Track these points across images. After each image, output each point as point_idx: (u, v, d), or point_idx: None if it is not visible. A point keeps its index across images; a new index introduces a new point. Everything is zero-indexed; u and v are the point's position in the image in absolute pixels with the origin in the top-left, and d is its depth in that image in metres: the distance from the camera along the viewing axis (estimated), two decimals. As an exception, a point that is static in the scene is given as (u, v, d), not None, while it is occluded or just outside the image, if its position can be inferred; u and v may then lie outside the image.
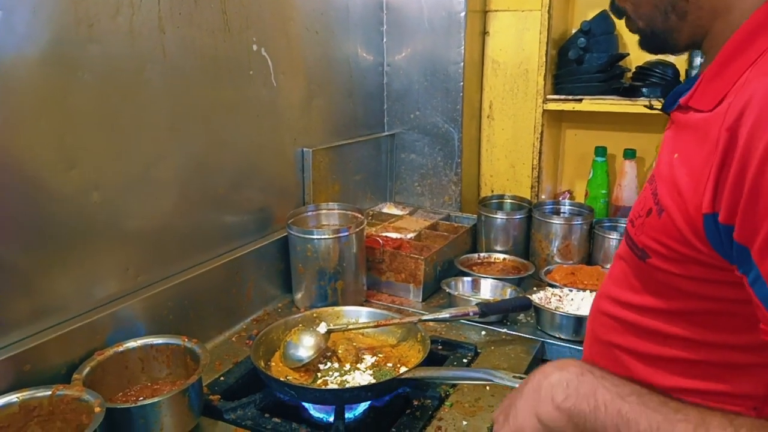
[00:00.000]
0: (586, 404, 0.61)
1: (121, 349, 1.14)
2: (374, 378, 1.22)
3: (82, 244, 1.13)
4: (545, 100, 1.86)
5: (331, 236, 1.54)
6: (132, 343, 1.16)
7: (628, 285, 0.75)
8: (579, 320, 1.41)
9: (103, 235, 1.17)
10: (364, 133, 2.00)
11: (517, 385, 0.92)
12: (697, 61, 1.73)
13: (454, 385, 1.25)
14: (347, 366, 1.27)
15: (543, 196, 2.01)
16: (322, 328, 1.28)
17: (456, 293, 1.59)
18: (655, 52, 0.79)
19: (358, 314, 1.41)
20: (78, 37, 1.07)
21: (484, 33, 2.08)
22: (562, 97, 1.85)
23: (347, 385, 1.19)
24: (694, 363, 0.69)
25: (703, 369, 0.68)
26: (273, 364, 1.24)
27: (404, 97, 2.08)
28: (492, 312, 1.39)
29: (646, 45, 0.77)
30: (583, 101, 1.82)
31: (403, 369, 1.25)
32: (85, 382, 1.04)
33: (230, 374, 1.27)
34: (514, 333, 1.49)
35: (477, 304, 1.38)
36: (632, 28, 0.77)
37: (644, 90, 1.78)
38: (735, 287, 0.59)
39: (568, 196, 2.08)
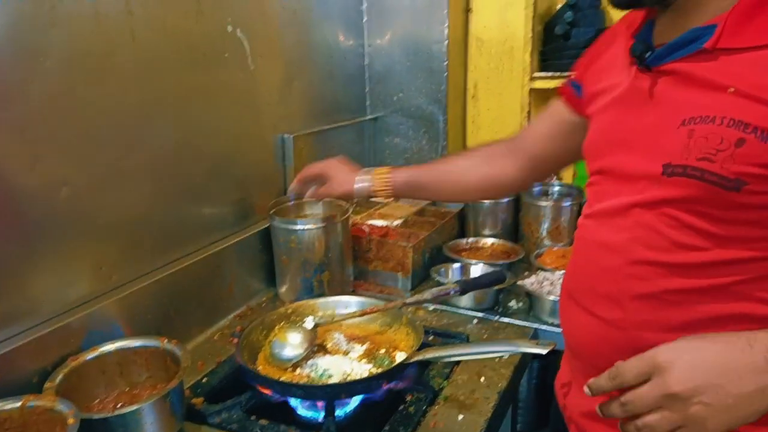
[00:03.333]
0: None
1: (96, 353, 1.08)
2: (374, 366, 1.18)
3: (51, 243, 1.06)
4: (532, 78, 1.80)
5: (315, 226, 1.48)
6: (108, 347, 1.10)
7: (688, 227, 0.76)
8: (573, 305, 1.38)
9: (74, 233, 1.11)
10: (346, 118, 1.94)
11: (544, 352, 0.96)
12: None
13: (448, 377, 1.21)
14: (338, 358, 1.22)
15: (531, 178, 1.97)
16: (309, 323, 1.23)
17: (446, 281, 1.55)
18: (629, 7, 0.83)
19: (337, 305, 1.36)
20: (39, 22, 0.99)
21: (468, 10, 2.02)
22: (550, 74, 1.81)
23: (349, 378, 1.14)
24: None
25: None
26: (260, 367, 1.18)
27: (386, 79, 2.01)
28: (470, 288, 1.35)
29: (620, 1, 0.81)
30: (571, 79, 1.77)
31: (398, 354, 1.21)
32: (58, 390, 0.98)
33: (214, 375, 1.22)
34: (506, 320, 1.45)
35: (456, 282, 1.34)
36: None
37: (633, 66, 1.74)
38: None
39: (555, 177, 2.04)
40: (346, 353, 1.23)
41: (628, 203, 0.82)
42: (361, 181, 1.26)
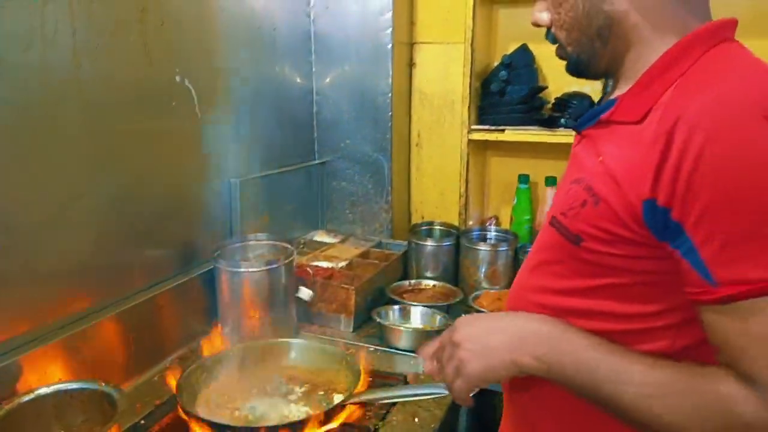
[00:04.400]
0: (567, 359, 0.77)
1: (32, 396, 1.08)
2: (311, 408, 1.21)
3: (-10, 285, 1.08)
4: (470, 131, 1.91)
5: (258, 269, 1.52)
6: (44, 390, 1.10)
7: (552, 273, 0.86)
8: (504, 346, 1.45)
9: (12, 278, 1.11)
10: (294, 161, 2.00)
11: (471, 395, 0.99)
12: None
13: (383, 418, 1.26)
14: (277, 400, 1.25)
15: (471, 222, 2.06)
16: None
17: (386, 323, 1.60)
18: (578, 76, 0.90)
19: (280, 347, 1.39)
20: (-16, 74, 1.03)
21: (411, 64, 2.13)
22: (486, 127, 1.92)
23: (286, 420, 1.17)
24: (614, 333, 0.79)
25: (619, 337, 0.78)
26: (199, 409, 1.20)
27: (334, 127, 2.09)
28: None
29: (572, 69, 0.89)
30: (506, 131, 1.89)
31: (336, 396, 1.24)
32: (-9, 435, 0.98)
33: (151, 417, 1.23)
34: (442, 361, 1.50)
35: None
36: (562, 54, 0.88)
37: (562, 120, 1.86)
38: (655, 261, 0.73)
39: (494, 222, 2.14)
40: (285, 395, 1.27)
41: (533, 248, 0.94)
42: None
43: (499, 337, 0.82)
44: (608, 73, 0.87)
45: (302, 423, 1.14)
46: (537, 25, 0.89)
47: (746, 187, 0.64)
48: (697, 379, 0.70)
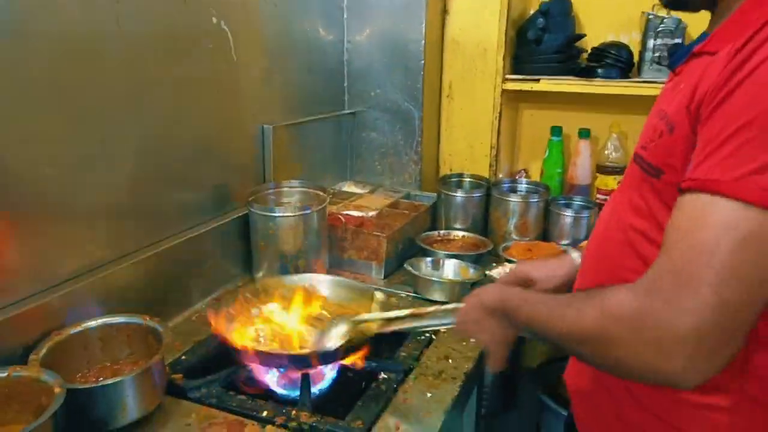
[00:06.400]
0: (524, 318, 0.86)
1: (79, 329, 1.11)
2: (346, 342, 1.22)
3: (36, 221, 1.10)
4: (504, 80, 1.88)
5: (293, 214, 1.53)
6: (91, 323, 1.13)
7: (633, 208, 0.86)
8: (537, 295, 1.45)
9: (59, 212, 1.14)
10: (324, 111, 1.98)
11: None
12: (650, 43, 1.79)
13: (418, 359, 1.28)
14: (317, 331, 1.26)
15: (500, 175, 2.05)
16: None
17: (419, 273, 1.61)
18: (675, 9, 0.91)
19: (306, 280, 1.41)
20: (29, 7, 1.03)
21: (444, 12, 2.08)
22: (521, 77, 1.88)
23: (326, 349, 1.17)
24: None
25: None
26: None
27: (365, 76, 2.07)
28: None
29: (670, 1, 0.89)
30: (541, 81, 1.85)
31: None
32: (42, 362, 1.01)
33: (192, 353, 1.26)
34: (474, 308, 1.52)
35: None
36: None
37: (599, 71, 1.83)
38: None
39: (524, 174, 2.12)
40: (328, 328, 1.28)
41: (619, 188, 0.95)
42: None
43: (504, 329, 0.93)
44: (707, 7, 0.85)
45: (340, 350, 1.15)
46: None
47: (754, 107, 0.64)
48: (600, 292, 0.74)
